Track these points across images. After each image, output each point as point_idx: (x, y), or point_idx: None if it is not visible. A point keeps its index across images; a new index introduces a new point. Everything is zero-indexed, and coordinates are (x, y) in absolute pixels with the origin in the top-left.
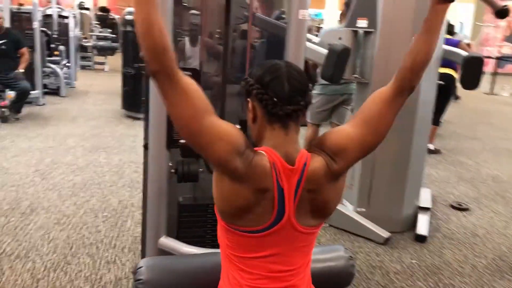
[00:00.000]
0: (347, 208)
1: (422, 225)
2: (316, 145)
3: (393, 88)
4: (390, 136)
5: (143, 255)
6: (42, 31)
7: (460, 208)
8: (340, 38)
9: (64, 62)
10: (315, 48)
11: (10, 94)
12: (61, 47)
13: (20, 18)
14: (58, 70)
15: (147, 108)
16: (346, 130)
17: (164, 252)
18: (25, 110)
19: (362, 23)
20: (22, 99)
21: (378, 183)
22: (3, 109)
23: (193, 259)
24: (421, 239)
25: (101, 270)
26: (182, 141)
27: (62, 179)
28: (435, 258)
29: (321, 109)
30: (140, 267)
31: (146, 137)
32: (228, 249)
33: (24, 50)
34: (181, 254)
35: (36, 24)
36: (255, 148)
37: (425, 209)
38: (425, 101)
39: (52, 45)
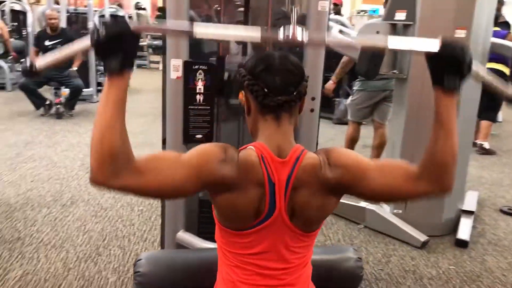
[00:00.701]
0: (383, 209)
1: (464, 230)
2: (322, 149)
3: (416, 172)
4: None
5: (162, 249)
6: None
7: (510, 213)
8: (377, 32)
9: None
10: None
11: (65, 91)
12: None
13: (77, 19)
14: None
15: (164, 104)
16: (360, 157)
17: (181, 246)
18: (79, 107)
19: (401, 15)
20: (75, 96)
21: None
22: (57, 106)
23: (194, 254)
24: (462, 244)
25: (129, 262)
26: (198, 136)
27: None
28: (476, 265)
29: (361, 106)
30: (139, 260)
31: (164, 132)
32: (223, 245)
33: None
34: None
35: (91, 24)
36: (242, 147)
37: (469, 212)
38: (468, 98)
39: None
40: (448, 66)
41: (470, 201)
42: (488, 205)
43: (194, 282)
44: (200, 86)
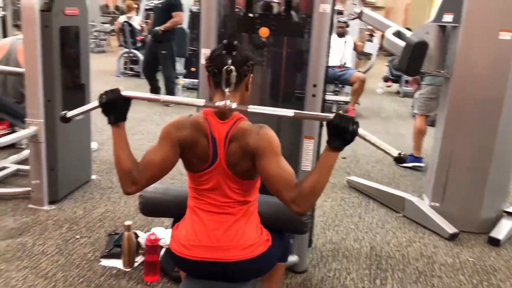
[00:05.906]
0: (422, 201)
1: (500, 229)
2: (260, 124)
3: (291, 195)
4: (471, 133)
5: None
6: None
7: None
8: (427, 33)
9: None
10: (394, 40)
11: None
12: None
13: None
14: None
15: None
16: (279, 148)
17: None
18: (187, 92)
19: (448, 17)
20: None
21: (455, 179)
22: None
23: (182, 189)
24: (494, 242)
25: None
26: None
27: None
28: (499, 261)
29: (429, 98)
30: None
31: None
32: (189, 183)
33: (176, 13)
34: None
35: None
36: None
37: (511, 214)
38: None
39: None
40: (335, 131)
41: None
42: None
43: (178, 207)
44: None
